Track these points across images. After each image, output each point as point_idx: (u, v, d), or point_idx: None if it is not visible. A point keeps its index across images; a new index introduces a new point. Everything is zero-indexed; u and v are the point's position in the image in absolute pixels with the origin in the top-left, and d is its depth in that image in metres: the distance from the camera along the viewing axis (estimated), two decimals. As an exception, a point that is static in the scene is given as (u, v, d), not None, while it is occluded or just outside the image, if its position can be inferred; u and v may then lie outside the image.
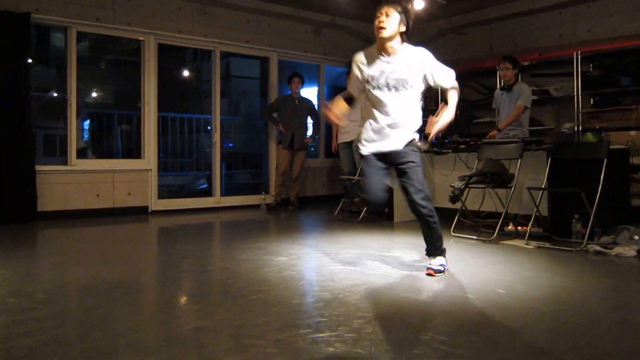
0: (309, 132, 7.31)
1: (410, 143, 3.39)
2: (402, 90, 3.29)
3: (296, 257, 4.03)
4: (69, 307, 2.84)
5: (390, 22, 3.19)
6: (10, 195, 5.63)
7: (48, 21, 6.15)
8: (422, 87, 3.38)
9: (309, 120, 7.34)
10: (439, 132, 3.33)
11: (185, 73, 13.16)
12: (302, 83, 7.17)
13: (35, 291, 3.06)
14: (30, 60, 6.01)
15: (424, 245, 4.35)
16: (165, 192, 7.98)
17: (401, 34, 3.28)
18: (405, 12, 3.25)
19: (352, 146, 6.88)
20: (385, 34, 3.21)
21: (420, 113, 3.42)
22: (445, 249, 3.52)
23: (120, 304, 2.79)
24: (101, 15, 6.36)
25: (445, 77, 3.35)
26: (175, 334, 2.32)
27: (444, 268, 3.44)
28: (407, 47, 3.32)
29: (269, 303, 2.78)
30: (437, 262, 3.46)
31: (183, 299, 3.05)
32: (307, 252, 4.25)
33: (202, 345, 2.19)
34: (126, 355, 2.11)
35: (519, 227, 4.93)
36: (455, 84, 3.38)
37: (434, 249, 3.50)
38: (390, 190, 5.70)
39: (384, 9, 3.21)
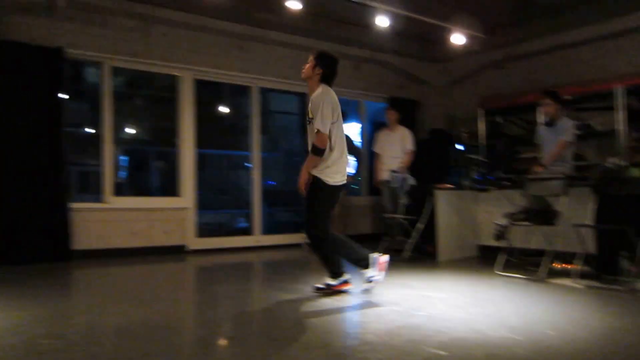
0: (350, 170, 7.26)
1: (314, 178, 3.82)
2: (310, 124, 3.84)
3: (339, 297, 3.94)
4: (102, 349, 2.77)
5: (306, 67, 3.95)
6: (42, 232, 5.58)
7: (81, 56, 6.12)
8: None
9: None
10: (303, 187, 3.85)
11: (224, 109, 13.30)
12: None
13: (68, 332, 3.01)
14: (64, 96, 5.92)
15: (471, 285, 4.36)
16: (203, 230, 8.00)
17: (318, 76, 3.92)
18: (318, 58, 3.94)
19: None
20: (302, 76, 3.99)
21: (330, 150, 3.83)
22: (340, 272, 3.96)
23: (155, 346, 2.72)
24: (136, 50, 6.36)
25: (316, 121, 3.76)
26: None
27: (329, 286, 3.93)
28: (321, 87, 3.91)
29: (310, 346, 2.72)
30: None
31: (222, 342, 2.97)
32: (350, 292, 4.15)
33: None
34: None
35: (566, 265, 4.82)
36: (318, 138, 3.75)
37: (328, 272, 3.96)
38: (432, 228, 5.75)
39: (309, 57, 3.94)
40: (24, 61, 5.57)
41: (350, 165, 7.18)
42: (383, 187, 6.96)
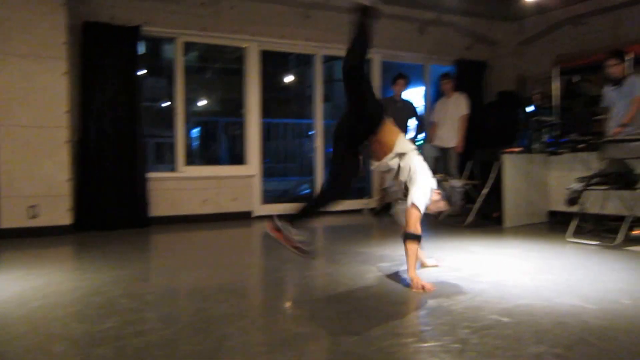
0: (410, 135, 7.11)
1: None
2: None
3: (399, 262, 3.91)
4: (176, 309, 2.92)
5: None
6: (125, 201, 5.94)
7: (157, 33, 6.40)
8: None
9: (411, 123, 7.13)
10: None
11: (289, 78, 13.37)
12: (407, 85, 6.99)
13: (145, 293, 3.19)
14: (142, 72, 6.21)
15: (539, 252, 4.11)
16: (269, 197, 8.13)
17: None
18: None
19: (446, 152, 6.91)
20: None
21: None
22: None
23: (224, 307, 2.83)
24: (206, 24, 6.54)
25: None
26: (276, 340, 2.32)
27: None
28: None
29: (370, 310, 2.73)
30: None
31: (285, 304, 3.06)
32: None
33: (302, 352, 2.17)
34: (229, 358, 2.14)
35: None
36: None
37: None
38: (498, 194, 5.50)
39: None
40: (106, 40, 5.89)
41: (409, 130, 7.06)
42: (438, 154, 7.04)
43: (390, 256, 4.13)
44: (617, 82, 5.21)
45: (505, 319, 2.48)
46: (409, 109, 7.03)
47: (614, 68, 5.20)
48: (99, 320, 2.61)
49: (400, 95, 6.97)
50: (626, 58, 5.30)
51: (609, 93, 5.36)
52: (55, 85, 5.46)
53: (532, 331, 2.32)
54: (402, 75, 6.94)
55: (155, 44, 9.13)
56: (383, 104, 6.87)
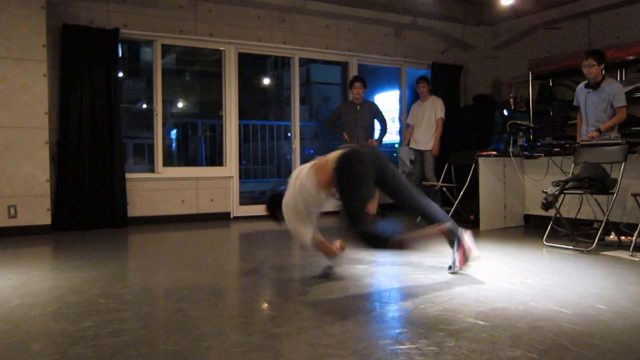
0: (376, 136, 7.12)
1: None
2: None
3: (376, 264, 3.95)
4: (153, 309, 2.92)
5: None
6: (103, 201, 5.98)
7: (135, 36, 6.46)
8: None
9: (377, 124, 7.14)
10: None
11: (267, 81, 13.44)
12: (364, 88, 6.94)
13: (123, 293, 3.18)
14: (121, 74, 6.27)
15: (515, 256, 4.12)
16: (247, 198, 8.11)
17: None
18: None
19: (422, 154, 6.95)
20: None
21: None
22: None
23: (201, 307, 2.83)
24: (184, 27, 6.59)
25: None
26: (253, 340, 2.31)
27: None
28: None
29: (347, 312, 2.72)
30: None
31: (261, 305, 3.04)
32: (387, 260, 4.14)
33: (278, 353, 2.17)
34: (206, 358, 2.14)
35: (623, 237, 4.53)
36: None
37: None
38: (476, 197, 5.54)
39: None
40: (85, 43, 5.92)
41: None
42: (415, 157, 7.08)
43: (366, 258, 4.14)
44: (594, 84, 5.10)
45: (481, 323, 2.49)
46: (370, 111, 7.00)
47: (592, 68, 5.03)
48: (77, 319, 2.61)
49: (361, 98, 6.94)
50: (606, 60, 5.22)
51: (584, 94, 5.23)
52: (35, 86, 5.49)
53: (508, 335, 2.33)
54: (357, 78, 6.95)
55: (134, 46, 9.13)
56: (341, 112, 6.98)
